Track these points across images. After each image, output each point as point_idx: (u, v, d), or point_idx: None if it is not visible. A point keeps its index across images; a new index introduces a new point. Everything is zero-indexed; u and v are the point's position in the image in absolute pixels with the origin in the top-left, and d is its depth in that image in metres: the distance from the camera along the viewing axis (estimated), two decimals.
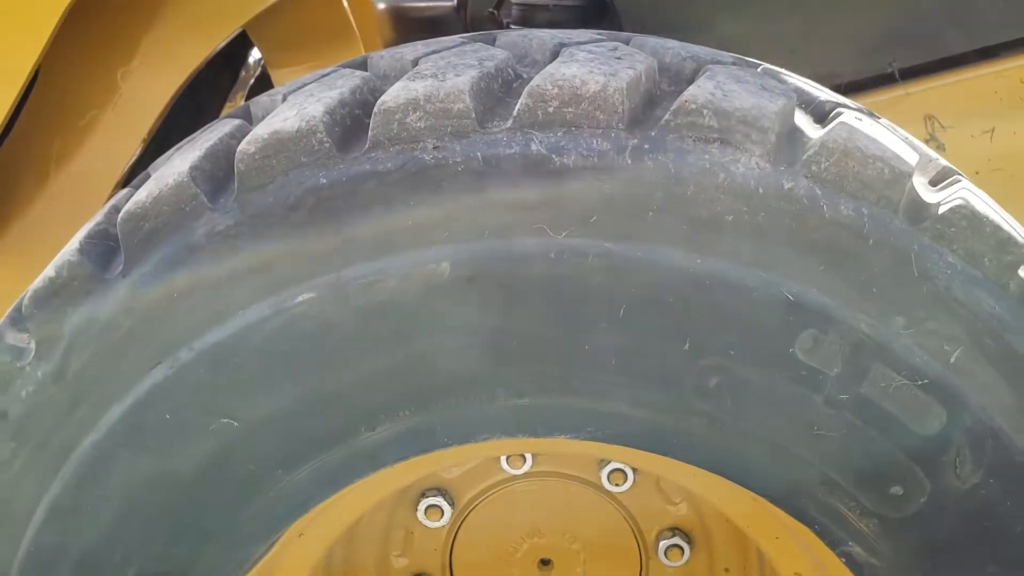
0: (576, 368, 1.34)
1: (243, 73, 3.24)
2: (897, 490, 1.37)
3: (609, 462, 1.98)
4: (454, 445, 1.38)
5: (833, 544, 1.42)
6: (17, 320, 1.43)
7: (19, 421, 1.41)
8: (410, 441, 1.39)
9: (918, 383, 1.32)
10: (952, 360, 1.33)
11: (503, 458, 1.97)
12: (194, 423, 1.35)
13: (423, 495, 2.04)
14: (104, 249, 1.40)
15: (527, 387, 1.36)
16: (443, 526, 2.05)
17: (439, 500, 2.03)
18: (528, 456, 1.97)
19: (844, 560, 1.42)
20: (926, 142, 2.33)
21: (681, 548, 2.03)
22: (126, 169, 2.27)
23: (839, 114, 1.40)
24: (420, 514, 2.03)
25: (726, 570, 2.07)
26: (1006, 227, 1.35)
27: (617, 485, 2.00)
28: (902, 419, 1.33)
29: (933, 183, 1.42)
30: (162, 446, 1.37)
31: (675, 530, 2.06)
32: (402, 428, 1.38)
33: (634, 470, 1.98)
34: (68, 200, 2.21)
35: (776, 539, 1.62)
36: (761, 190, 1.27)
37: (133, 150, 2.27)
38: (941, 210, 1.32)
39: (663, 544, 2.04)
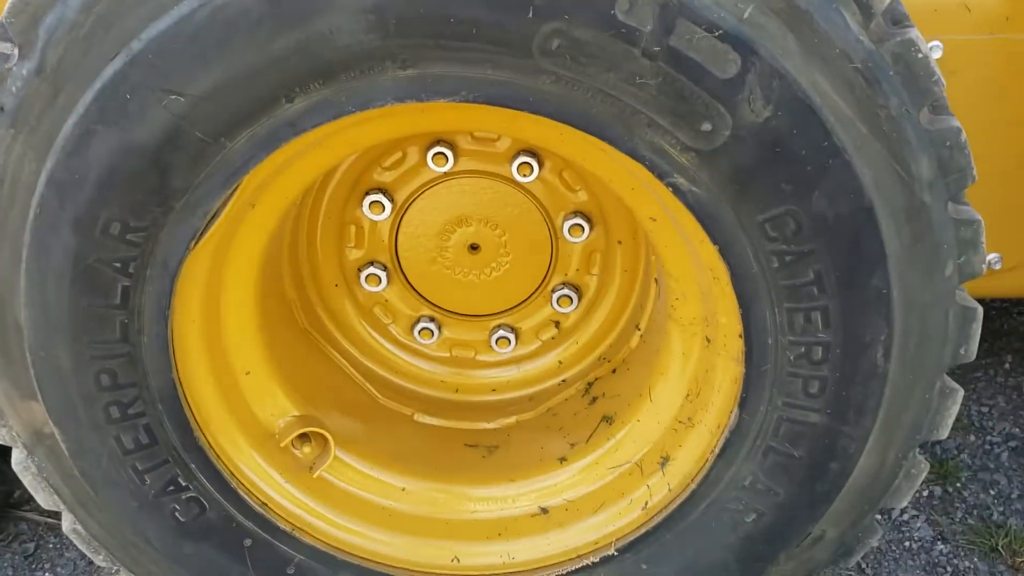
0: (446, 39, 1.67)
1: None
2: (707, 126, 1.73)
3: (517, 155, 2.35)
4: (357, 112, 1.74)
5: (662, 176, 1.79)
6: (1, 32, 1.77)
7: (13, 112, 1.78)
8: (323, 110, 1.75)
9: (716, 34, 1.65)
10: (745, 15, 1.66)
11: (428, 158, 2.34)
12: (149, 100, 1.71)
13: (367, 194, 2.44)
14: None
15: (410, 58, 1.69)
16: (386, 219, 2.46)
17: (380, 197, 2.43)
18: (449, 154, 2.33)
19: (672, 191, 1.80)
20: None
21: (582, 226, 2.44)
22: None
23: None
24: (365, 209, 2.43)
25: (619, 242, 2.48)
26: None
27: (525, 176, 2.37)
28: (705, 65, 1.67)
29: None
30: (127, 122, 1.73)
31: (577, 212, 2.46)
32: (316, 99, 1.74)
33: (539, 162, 2.35)
34: None
35: (632, 190, 2.00)
36: None
37: None
38: None
39: (568, 224, 2.44)
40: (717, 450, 2.10)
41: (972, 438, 3.59)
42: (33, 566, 3.23)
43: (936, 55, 2.71)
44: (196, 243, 1.91)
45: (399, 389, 2.67)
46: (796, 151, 1.76)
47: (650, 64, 1.69)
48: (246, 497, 2.19)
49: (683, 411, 2.22)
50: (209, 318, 2.12)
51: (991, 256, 3.09)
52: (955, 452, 3.54)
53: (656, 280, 2.41)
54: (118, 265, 1.89)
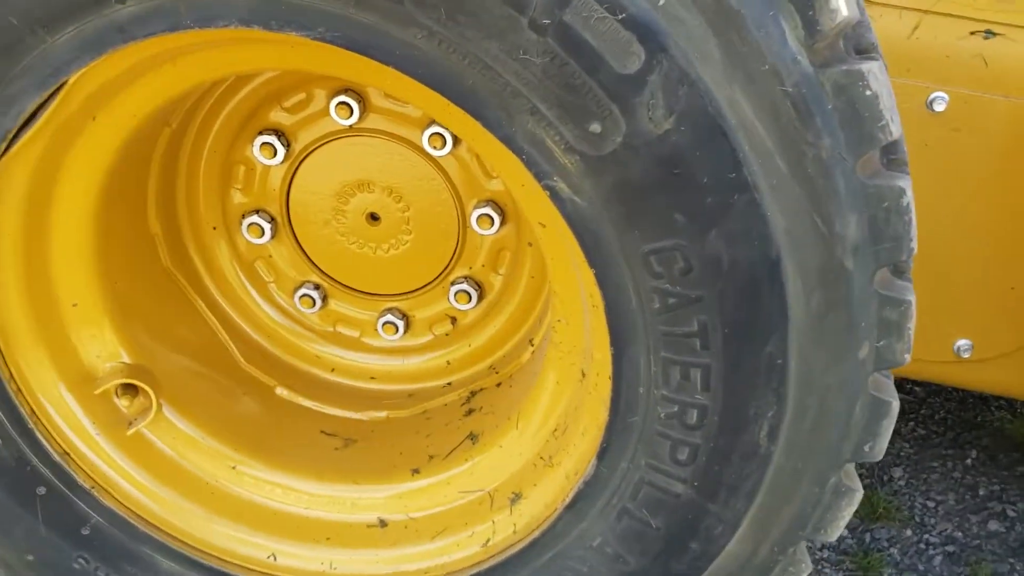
0: None
1: None
2: (596, 127, 1.45)
3: (430, 125, 2.08)
4: (197, 28, 1.48)
5: (540, 176, 1.52)
6: None
7: None
8: (157, 19, 1.49)
9: (619, 17, 1.36)
10: (661, 2, 1.37)
11: (331, 108, 2.08)
12: None
13: (260, 133, 2.18)
14: None
15: None
16: (278, 164, 2.20)
17: (273, 139, 2.16)
18: (355, 108, 2.07)
19: (550, 195, 1.53)
20: None
21: (492, 218, 2.16)
22: None
23: None
24: (256, 149, 2.17)
25: (529, 244, 2.20)
26: None
27: (436, 148, 2.10)
28: (602, 53, 1.38)
29: None
30: None
31: (489, 202, 2.19)
32: (149, 6, 1.49)
33: (454, 137, 2.08)
34: None
35: (522, 186, 1.72)
36: None
37: None
38: None
39: (477, 213, 2.17)
40: (568, 499, 1.83)
41: (908, 533, 3.28)
42: None
43: (938, 108, 2.42)
44: (9, 146, 1.67)
45: (267, 356, 2.40)
46: (697, 177, 1.46)
47: (537, 39, 1.40)
48: (45, 442, 1.95)
49: (547, 447, 1.94)
50: (32, 235, 1.86)
51: (961, 342, 2.79)
52: (885, 544, 3.23)
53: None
54: None
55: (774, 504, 1.74)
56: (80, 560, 2.05)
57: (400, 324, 2.36)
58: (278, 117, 2.18)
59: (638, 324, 1.60)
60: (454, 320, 2.37)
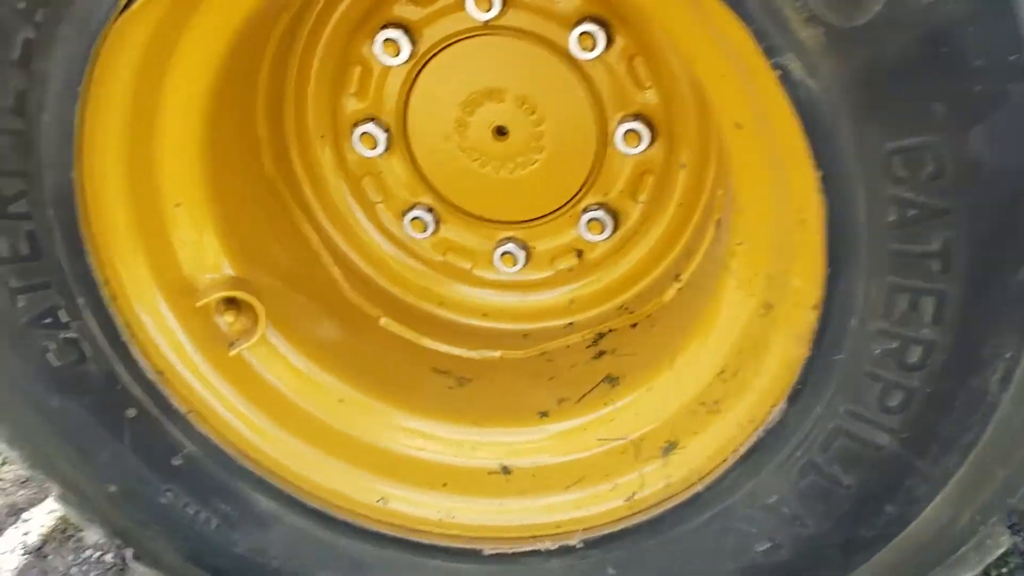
0: None
1: None
2: None
3: (581, 22, 1.84)
4: None
5: (771, 53, 1.27)
6: None
7: None
8: None
9: None
10: None
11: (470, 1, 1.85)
12: None
13: (383, 28, 1.95)
14: None
15: None
16: (401, 66, 1.96)
17: (398, 34, 1.93)
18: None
19: (779, 75, 1.28)
20: None
21: (640, 135, 1.92)
22: None
23: None
24: (377, 47, 1.93)
25: (683, 166, 1.97)
26: None
27: (586, 50, 1.86)
28: None
29: None
30: None
31: (638, 116, 1.94)
32: None
33: (607, 37, 1.84)
34: None
35: (721, 77, 1.48)
36: None
37: None
38: None
39: (623, 129, 1.93)
40: (743, 451, 1.60)
41: None
42: None
43: None
44: (127, 4, 1.44)
45: (370, 284, 2.17)
46: (968, 58, 1.22)
47: None
48: (140, 357, 1.72)
49: (710, 391, 1.70)
50: (140, 113, 1.62)
51: None
52: None
53: (718, 222, 1.89)
54: (21, 6, 1.43)
55: (989, 463, 1.50)
56: (168, 493, 1.83)
57: (520, 255, 2.12)
58: (404, 11, 1.93)
59: (862, 241, 1.36)
60: (580, 253, 2.13)
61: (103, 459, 1.82)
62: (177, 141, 1.69)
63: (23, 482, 2.55)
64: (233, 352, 1.80)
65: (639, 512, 1.72)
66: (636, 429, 1.79)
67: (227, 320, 1.81)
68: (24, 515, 2.49)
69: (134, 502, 1.85)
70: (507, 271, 2.15)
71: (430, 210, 2.13)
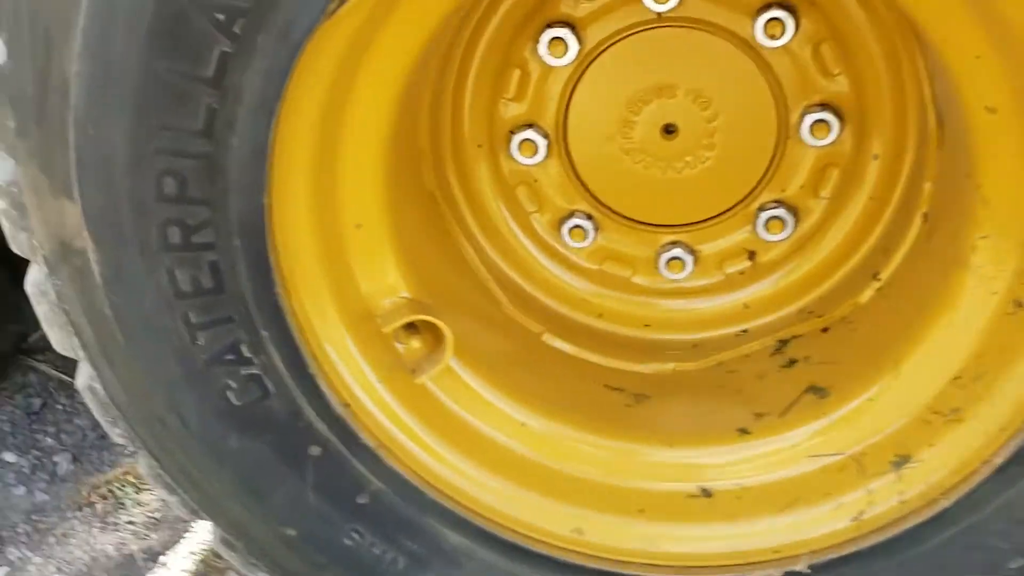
0: None
1: None
2: None
3: (767, 8, 1.72)
4: None
5: None
6: None
7: None
8: None
9: None
10: None
11: None
12: None
13: (548, 26, 1.83)
14: None
15: None
16: (566, 66, 1.84)
17: (565, 32, 1.81)
18: None
19: None
20: None
21: (828, 125, 1.80)
22: None
23: None
24: (542, 47, 1.81)
25: (875, 157, 1.84)
26: None
27: (773, 38, 1.74)
28: None
29: None
30: None
31: (826, 105, 1.82)
32: None
33: (796, 20, 1.72)
34: None
35: (976, 58, 1.36)
36: None
37: None
38: None
39: (809, 119, 1.80)
40: (997, 461, 1.49)
41: None
42: (34, 426, 2.69)
43: None
44: (337, 5, 1.32)
45: (528, 298, 2.04)
46: None
47: None
48: (327, 391, 1.61)
49: (945, 398, 1.57)
50: (327, 137, 1.50)
51: None
52: None
53: (926, 216, 1.77)
54: (221, 17, 1.32)
55: None
56: (353, 534, 1.72)
57: (688, 260, 1.99)
58: (570, 8, 1.81)
59: None
60: (752, 255, 2.01)
61: (280, 501, 1.69)
62: (359, 158, 1.57)
63: (155, 525, 2.44)
64: (422, 379, 1.68)
65: (871, 532, 1.60)
66: (855, 443, 1.67)
67: (413, 346, 1.69)
68: (161, 558, 2.38)
69: (314, 545, 1.72)
70: (673, 277, 2.02)
71: (588, 217, 2.00)
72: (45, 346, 2.89)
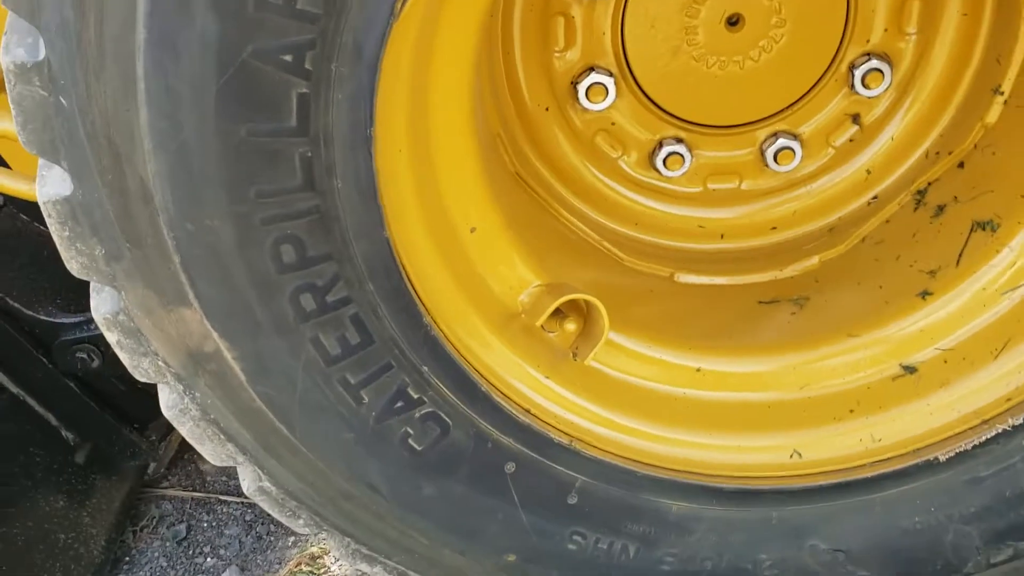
0: None
1: None
2: None
3: None
4: None
5: None
6: None
7: None
8: None
9: None
10: None
11: None
12: None
13: None
14: None
15: None
16: None
17: None
18: None
19: None
20: None
21: None
22: None
23: None
24: None
25: (964, 15, 1.71)
26: None
27: None
28: None
29: None
30: None
31: None
32: None
33: None
34: None
35: None
36: None
37: None
38: None
39: None
40: None
41: None
42: (190, 551, 2.62)
43: None
44: (402, 6, 1.21)
45: (645, 245, 1.94)
46: None
47: None
48: (503, 403, 1.52)
49: None
50: (418, 148, 1.40)
51: None
52: None
53: None
54: (288, 58, 1.22)
55: None
56: (575, 538, 1.63)
57: (795, 146, 1.88)
58: None
59: None
60: (857, 118, 1.89)
61: (492, 531, 1.61)
62: (454, 161, 1.46)
63: None
64: (587, 360, 1.59)
65: None
66: None
67: (568, 330, 1.59)
68: None
69: (539, 562, 1.64)
70: (783, 170, 1.90)
71: (679, 140, 1.89)
72: (167, 472, 2.85)
